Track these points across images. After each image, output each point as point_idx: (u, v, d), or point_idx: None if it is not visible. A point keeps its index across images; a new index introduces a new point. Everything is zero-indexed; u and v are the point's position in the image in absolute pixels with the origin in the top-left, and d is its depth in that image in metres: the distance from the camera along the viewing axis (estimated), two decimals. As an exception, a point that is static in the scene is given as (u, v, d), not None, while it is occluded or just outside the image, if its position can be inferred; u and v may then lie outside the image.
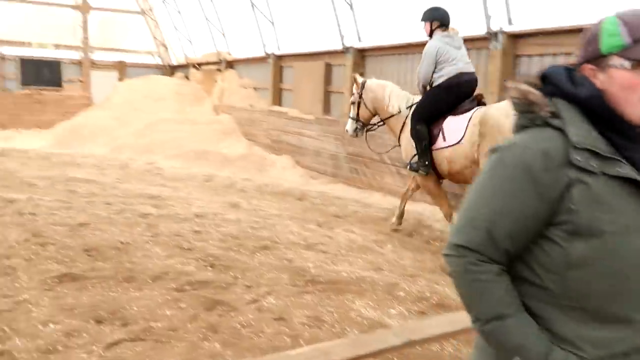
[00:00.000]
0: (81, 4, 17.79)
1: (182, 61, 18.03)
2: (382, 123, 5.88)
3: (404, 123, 5.53)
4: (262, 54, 12.72)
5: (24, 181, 7.97)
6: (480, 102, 5.11)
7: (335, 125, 9.09)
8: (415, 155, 5.24)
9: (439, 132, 5.07)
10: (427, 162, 5.14)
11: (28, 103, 17.04)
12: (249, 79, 13.97)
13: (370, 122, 6.00)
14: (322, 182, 9.27)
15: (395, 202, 7.59)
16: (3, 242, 4.87)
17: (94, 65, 18.07)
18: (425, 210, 7.19)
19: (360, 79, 6.00)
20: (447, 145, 5.00)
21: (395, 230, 5.90)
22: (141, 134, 12.50)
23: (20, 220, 5.68)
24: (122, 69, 18.64)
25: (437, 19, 5.20)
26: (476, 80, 5.21)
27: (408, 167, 5.40)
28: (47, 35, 17.44)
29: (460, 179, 5.14)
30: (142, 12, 18.88)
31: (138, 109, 14.02)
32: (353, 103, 5.99)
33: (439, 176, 5.34)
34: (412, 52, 8.48)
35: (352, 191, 8.39)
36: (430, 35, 5.25)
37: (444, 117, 5.07)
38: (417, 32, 7.82)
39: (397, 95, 5.67)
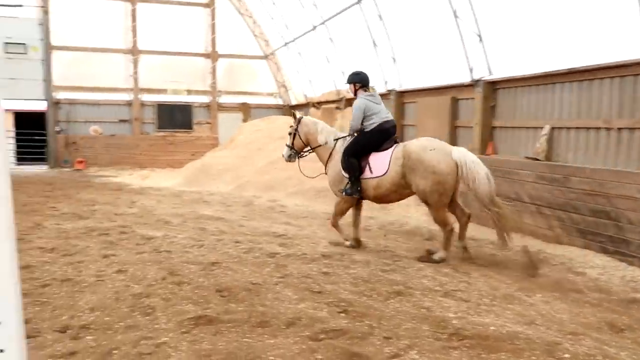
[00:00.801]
0: (211, 52, 19.05)
1: (302, 100, 18.51)
2: (311, 151, 7.04)
3: (331, 154, 6.72)
4: (383, 91, 12.60)
5: (160, 218, 8.38)
6: (395, 141, 6.32)
7: (464, 161, 8.59)
8: (348, 183, 6.36)
9: (366, 165, 6.26)
10: (359, 188, 6.31)
11: (163, 144, 18.40)
12: (368, 116, 13.89)
13: (302, 151, 7.09)
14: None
15: (537, 244, 6.91)
16: (143, 279, 5.00)
17: (221, 107, 19.14)
18: (574, 255, 6.42)
19: (298, 115, 7.13)
20: (374, 176, 6.19)
21: (350, 247, 6.56)
22: (263, 172, 12.83)
23: (158, 257, 5.86)
24: (246, 110, 19.55)
25: (359, 82, 6.46)
26: (395, 126, 6.41)
27: (344, 192, 6.42)
28: (181, 82, 18.85)
29: (385, 200, 6.49)
30: (265, 57, 19.78)
31: (260, 148, 14.48)
32: (290, 134, 7.09)
33: (361, 197, 6.47)
34: (549, 81, 7.84)
35: (486, 231, 7.78)
36: (355, 94, 6.50)
37: (369, 154, 6.26)
38: (555, 59, 7.27)
39: (327, 131, 6.85)
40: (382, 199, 6.39)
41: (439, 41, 10.36)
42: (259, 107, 19.74)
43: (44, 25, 16.52)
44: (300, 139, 6.97)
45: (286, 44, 18.04)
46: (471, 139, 9.50)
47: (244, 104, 19.60)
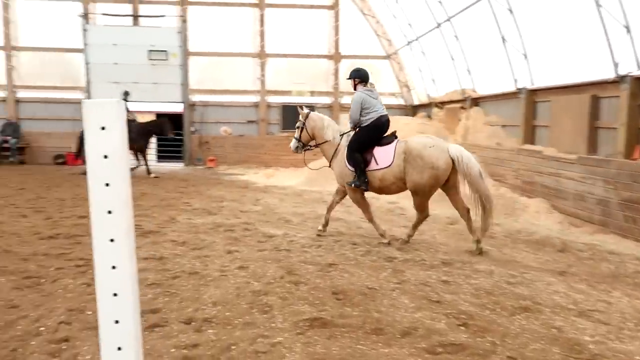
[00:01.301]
0: (334, 53, 19.31)
1: (425, 100, 18.09)
2: (316, 146, 7.43)
3: (336, 149, 7.09)
4: (513, 89, 11.87)
5: (281, 217, 8.61)
6: (394, 136, 6.74)
7: (605, 165, 7.79)
8: (355, 176, 6.68)
9: (371, 158, 6.61)
10: (366, 180, 6.64)
11: (286, 144, 18.96)
12: (496, 116, 13.19)
13: (309, 144, 7.52)
14: (586, 231, 7.98)
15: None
16: (263, 277, 5.14)
17: (343, 108, 19.32)
18: None
19: (305, 110, 7.50)
20: (379, 167, 6.57)
21: (319, 235, 7.04)
22: (384, 174, 12.72)
23: (277, 256, 6.00)
24: (368, 111, 19.55)
25: (358, 77, 6.88)
26: (389, 120, 6.78)
27: (352, 184, 6.73)
28: (304, 84, 19.33)
29: (386, 192, 6.78)
30: (388, 57, 19.62)
31: (381, 149, 14.37)
32: (298, 127, 7.47)
33: (365, 189, 6.76)
34: None
35: (630, 245, 6.98)
36: (355, 88, 6.90)
37: (373, 147, 6.64)
38: None
39: (333, 127, 7.24)
40: (385, 189, 6.76)
41: (577, 34, 9.50)
42: (381, 107, 19.70)
43: (183, 33, 17.82)
44: (307, 133, 7.41)
45: (409, 42, 17.74)
46: (614, 142, 8.59)
47: (365, 104, 19.70)
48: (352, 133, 6.95)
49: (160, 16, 18.08)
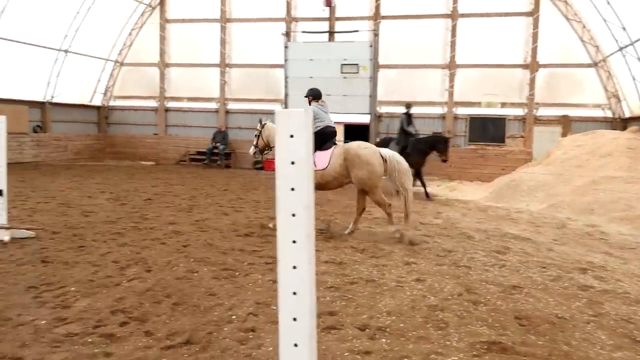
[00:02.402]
0: (530, 62, 18.13)
1: (638, 113, 15.98)
2: (270, 150, 8.74)
3: None
4: None
5: (462, 232, 8.32)
6: (334, 143, 7.95)
7: None
8: None
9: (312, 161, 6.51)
10: None
11: (472, 157, 18.35)
12: None
13: (264, 150, 8.82)
14: None
15: None
16: (439, 292, 5.02)
17: (537, 121, 18.02)
18: None
19: (263, 122, 8.79)
20: (317, 169, 7.62)
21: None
22: (582, 193, 11.51)
23: (456, 272, 5.81)
24: (566, 124, 17.95)
25: (313, 95, 8.19)
26: (335, 132, 8.04)
27: None
28: (495, 95, 18.48)
29: (328, 187, 7.90)
30: (594, 64, 17.78)
31: (581, 166, 13.05)
32: (256, 135, 8.81)
33: None
34: None
35: None
36: (309, 103, 8.20)
37: (314, 152, 7.37)
38: None
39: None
40: (323, 186, 7.85)
41: None
42: (582, 120, 17.85)
43: (374, 46, 18.36)
44: (263, 140, 8.77)
45: (621, 48, 15.84)
46: None
47: (564, 116, 18.03)
48: None
49: (354, 31, 18.86)
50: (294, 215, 1.54)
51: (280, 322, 1.57)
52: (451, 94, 18.81)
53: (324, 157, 7.77)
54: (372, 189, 7.56)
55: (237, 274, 5.51)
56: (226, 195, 12.09)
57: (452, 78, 18.79)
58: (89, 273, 5.31)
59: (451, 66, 18.76)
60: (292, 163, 1.54)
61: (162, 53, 21.42)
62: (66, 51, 19.47)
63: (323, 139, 7.86)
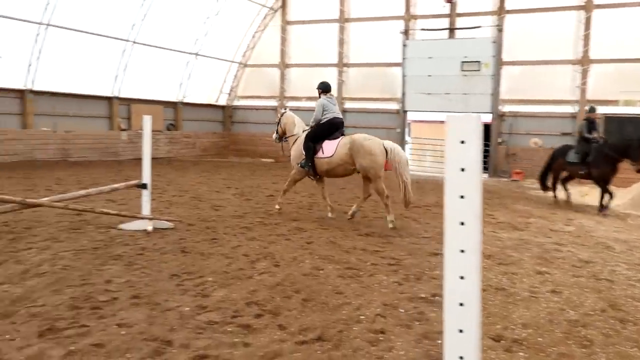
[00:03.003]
0: (678, 55, 16.33)
1: None
2: (287, 139, 9.28)
3: (296, 140, 8.98)
4: None
5: (599, 242, 7.70)
6: (343, 134, 8.62)
7: None
8: (303, 159, 8.61)
9: (320, 148, 8.51)
10: (310, 163, 8.56)
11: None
12: None
13: (284, 136, 9.32)
14: None
15: None
16: (579, 306, 4.68)
17: (686, 120, 16.22)
18: None
19: (281, 111, 9.64)
20: (324, 156, 8.46)
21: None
22: None
23: (596, 285, 5.38)
24: None
25: (322, 89, 8.83)
26: (342, 122, 8.75)
27: (300, 165, 8.70)
28: (635, 92, 16.86)
29: (332, 174, 8.69)
30: None
31: None
32: (277, 123, 9.40)
33: (315, 174, 8.71)
34: None
35: None
36: (319, 96, 8.84)
37: (323, 141, 8.52)
38: None
39: (299, 125, 9.09)
40: (330, 172, 8.58)
41: None
42: None
43: (497, 42, 17.58)
44: (282, 128, 9.26)
45: None
46: None
47: None
48: (309, 130, 8.80)
49: (476, 27, 18.19)
50: (462, 223, 1.50)
51: (446, 334, 1.54)
52: (583, 92, 17.48)
53: (332, 146, 8.42)
54: (374, 177, 8.25)
55: (362, 273, 5.54)
56: (344, 193, 12.22)
57: (584, 74, 17.46)
58: (223, 265, 5.62)
59: (584, 61, 17.43)
60: (462, 170, 1.50)
61: (283, 54, 22.18)
62: (196, 54, 20.85)
63: (331, 129, 8.54)
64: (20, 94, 16.02)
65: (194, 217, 8.36)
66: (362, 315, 4.30)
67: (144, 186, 7.25)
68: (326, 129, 8.51)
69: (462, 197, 1.50)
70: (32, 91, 16.12)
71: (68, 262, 5.46)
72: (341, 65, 20.98)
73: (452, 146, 1.50)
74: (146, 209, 7.23)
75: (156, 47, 19.12)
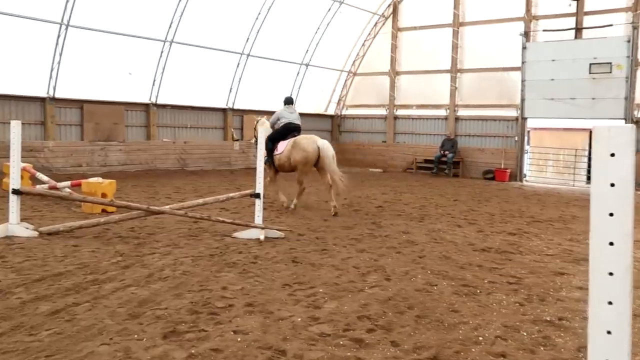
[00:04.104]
0: None
1: None
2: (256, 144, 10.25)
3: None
4: None
5: None
6: (294, 135, 10.47)
7: None
8: (266, 156, 10.04)
9: (275, 147, 10.49)
10: (270, 160, 10.47)
11: None
12: None
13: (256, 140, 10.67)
14: None
15: None
16: None
17: None
18: None
19: (257, 118, 11.72)
20: (277, 153, 10.42)
21: (288, 207, 10.40)
22: None
23: None
24: None
25: (284, 102, 11.06)
26: (297, 128, 10.70)
27: (265, 162, 9.33)
28: None
29: (283, 169, 10.53)
30: None
31: None
32: (254, 129, 11.55)
33: (276, 169, 10.67)
34: None
35: None
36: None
37: (279, 141, 10.49)
38: None
39: (266, 129, 10.65)
40: (282, 167, 10.47)
41: None
42: None
43: (632, 42, 16.21)
44: (256, 132, 11.00)
45: None
46: None
47: None
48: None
49: (607, 26, 16.92)
50: (611, 244, 1.38)
51: (591, 365, 1.42)
52: None
53: (283, 145, 10.37)
54: (301, 170, 10.15)
55: (479, 291, 5.33)
56: (457, 206, 11.88)
57: None
58: (334, 276, 5.68)
59: None
60: (612, 185, 1.38)
61: (393, 61, 22.13)
62: (307, 65, 21.44)
63: (285, 132, 10.56)
64: (146, 107, 17.46)
65: (303, 226, 8.55)
66: (480, 336, 4.13)
67: (257, 195, 7.55)
68: (281, 132, 10.63)
69: (611, 214, 1.38)
70: (155, 104, 17.51)
71: (187, 267, 5.81)
72: (455, 70, 20.49)
73: (601, 159, 1.39)
74: (259, 218, 7.52)
75: (268, 59, 19.93)
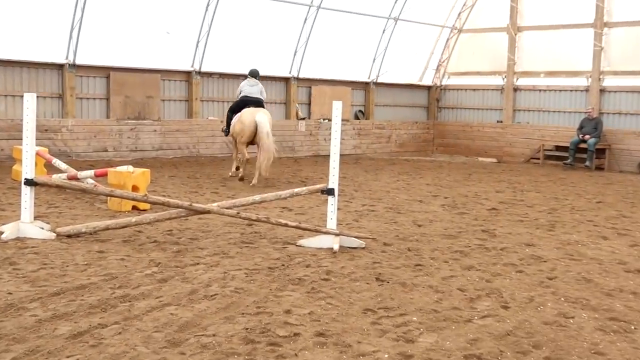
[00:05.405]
0: None
1: None
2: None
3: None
4: None
5: None
6: (247, 107, 13.82)
7: None
8: (227, 126, 14.47)
9: (234, 118, 13.85)
10: (228, 130, 14.28)
11: None
12: None
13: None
14: None
15: None
16: None
17: None
18: None
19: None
20: (232, 123, 13.81)
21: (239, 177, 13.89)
22: None
23: None
24: None
25: (248, 74, 14.55)
26: (255, 101, 13.97)
27: (225, 133, 14.81)
28: None
29: (235, 141, 14.13)
30: None
31: None
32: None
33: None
34: None
35: None
36: (245, 78, 14.88)
37: (236, 113, 13.85)
38: None
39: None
40: (233, 138, 14.14)
41: None
42: None
43: None
44: None
45: None
46: None
47: None
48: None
49: None
50: None
51: None
52: None
53: (235, 118, 13.53)
54: (239, 140, 13.45)
55: (633, 328, 5.15)
56: (601, 210, 11.51)
57: None
58: (432, 300, 5.65)
59: None
60: None
61: (514, 12, 21.64)
62: (396, 19, 21.33)
63: (242, 105, 13.80)
64: (187, 76, 18.00)
65: (391, 234, 8.56)
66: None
67: (330, 192, 7.61)
68: (238, 104, 14.00)
69: None
70: (199, 72, 18.00)
71: (240, 283, 5.96)
72: (600, 25, 19.71)
73: None
74: (332, 222, 7.58)
75: (345, 11, 19.99)
